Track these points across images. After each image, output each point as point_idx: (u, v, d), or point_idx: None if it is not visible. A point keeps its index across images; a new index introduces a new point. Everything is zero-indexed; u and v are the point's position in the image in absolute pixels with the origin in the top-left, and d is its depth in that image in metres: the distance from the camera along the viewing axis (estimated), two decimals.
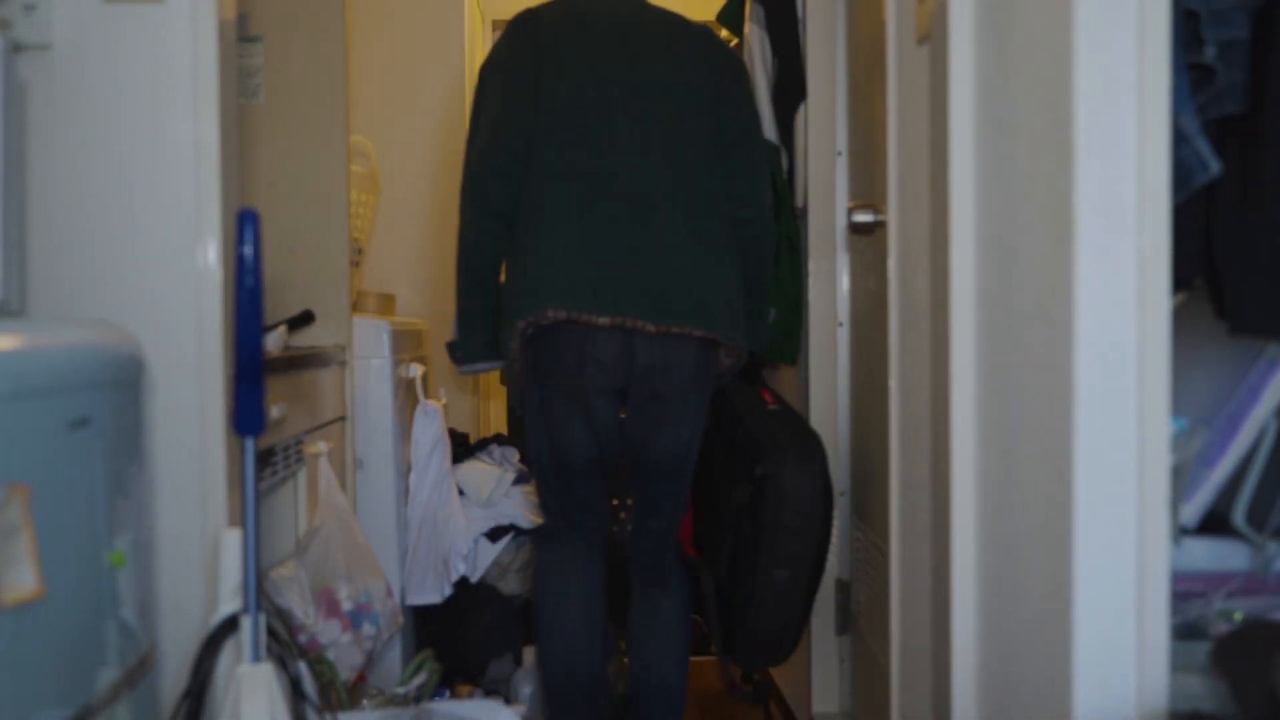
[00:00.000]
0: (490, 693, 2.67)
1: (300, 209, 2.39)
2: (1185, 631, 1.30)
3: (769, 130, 2.79)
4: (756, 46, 2.84)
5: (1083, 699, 1.21)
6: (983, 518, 1.50)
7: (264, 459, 1.88)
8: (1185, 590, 1.31)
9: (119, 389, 1.26)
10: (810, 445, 2.30)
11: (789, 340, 2.88)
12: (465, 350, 2.26)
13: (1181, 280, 1.28)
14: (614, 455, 2.33)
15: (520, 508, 2.84)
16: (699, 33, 2.37)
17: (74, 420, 1.14)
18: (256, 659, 1.25)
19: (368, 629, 2.12)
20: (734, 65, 2.39)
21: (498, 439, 3.05)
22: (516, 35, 2.26)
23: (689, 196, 2.22)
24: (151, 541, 1.37)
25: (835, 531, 2.66)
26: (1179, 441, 1.30)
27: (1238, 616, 1.30)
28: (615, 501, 3.29)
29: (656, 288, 2.14)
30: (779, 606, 2.27)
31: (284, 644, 1.32)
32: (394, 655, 2.54)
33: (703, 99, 2.28)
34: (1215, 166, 1.24)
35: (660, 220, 2.17)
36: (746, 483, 2.30)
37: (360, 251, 2.76)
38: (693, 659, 3.57)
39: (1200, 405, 1.38)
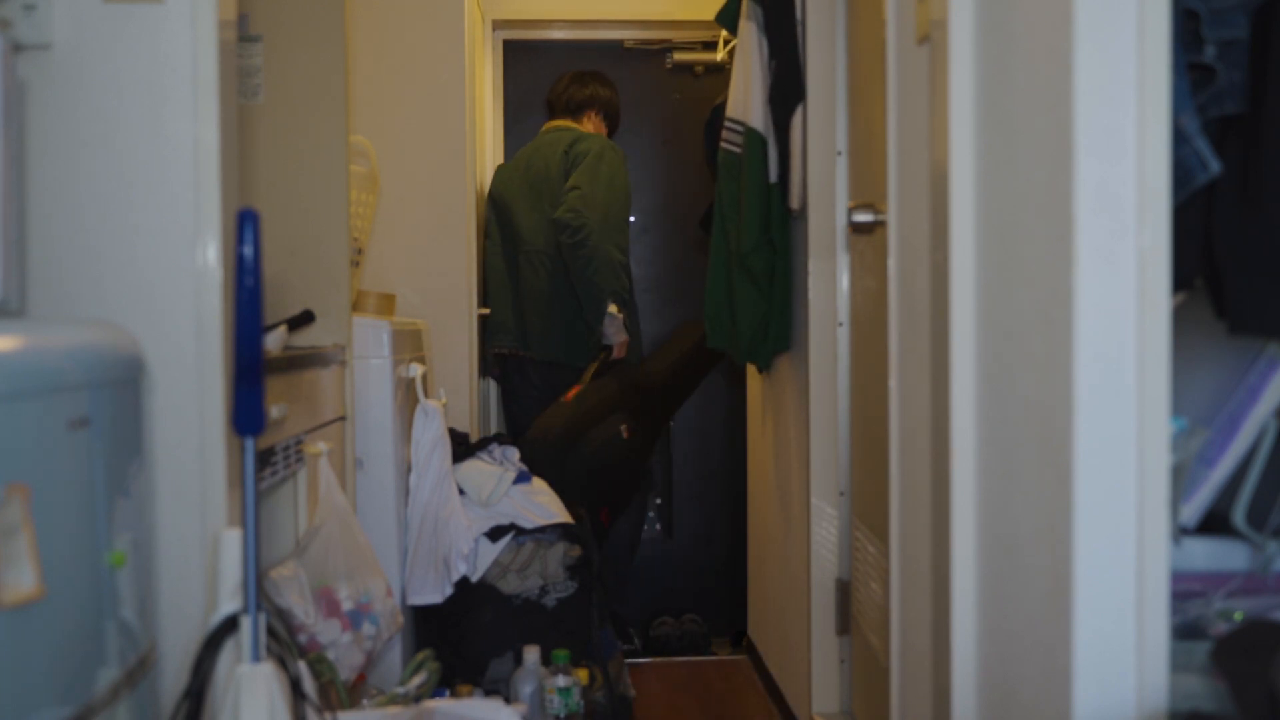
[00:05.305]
0: (490, 693, 2.67)
1: (300, 209, 2.39)
2: (1185, 631, 1.30)
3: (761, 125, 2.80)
4: (754, 46, 2.84)
5: (1082, 699, 1.21)
6: (983, 518, 1.50)
7: (264, 459, 1.88)
8: (1185, 590, 1.31)
9: (119, 389, 1.26)
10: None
11: (765, 343, 2.90)
12: None
13: (1181, 280, 1.27)
14: None
15: (520, 507, 2.84)
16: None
17: (74, 420, 1.14)
18: (256, 659, 1.25)
19: (368, 629, 2.11)
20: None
21: (498, 438, 3.05)
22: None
23: None
24: (151, 541, 1.37)
25: (835, 531, 2.66)
26: (1179, 441, 1.30)
27: (1238, 616, 1.30)
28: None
29: None
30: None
31: (284, 644, 1.31)
32: (394, 655, 2.54)
33: None
34: (1215, 166, 1.24)
35: None
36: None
37: (360, 251, 2.76)
38: (693, 659, 3.59)
39: (1200, 405, 1.38)
